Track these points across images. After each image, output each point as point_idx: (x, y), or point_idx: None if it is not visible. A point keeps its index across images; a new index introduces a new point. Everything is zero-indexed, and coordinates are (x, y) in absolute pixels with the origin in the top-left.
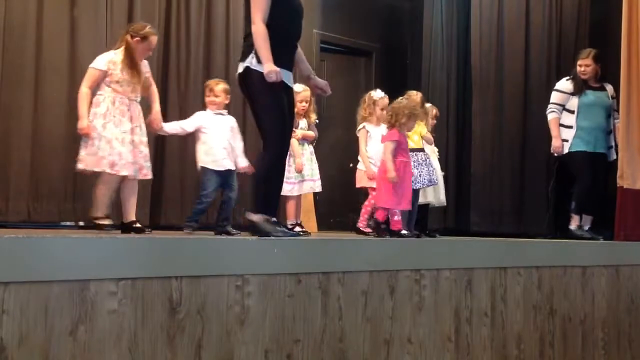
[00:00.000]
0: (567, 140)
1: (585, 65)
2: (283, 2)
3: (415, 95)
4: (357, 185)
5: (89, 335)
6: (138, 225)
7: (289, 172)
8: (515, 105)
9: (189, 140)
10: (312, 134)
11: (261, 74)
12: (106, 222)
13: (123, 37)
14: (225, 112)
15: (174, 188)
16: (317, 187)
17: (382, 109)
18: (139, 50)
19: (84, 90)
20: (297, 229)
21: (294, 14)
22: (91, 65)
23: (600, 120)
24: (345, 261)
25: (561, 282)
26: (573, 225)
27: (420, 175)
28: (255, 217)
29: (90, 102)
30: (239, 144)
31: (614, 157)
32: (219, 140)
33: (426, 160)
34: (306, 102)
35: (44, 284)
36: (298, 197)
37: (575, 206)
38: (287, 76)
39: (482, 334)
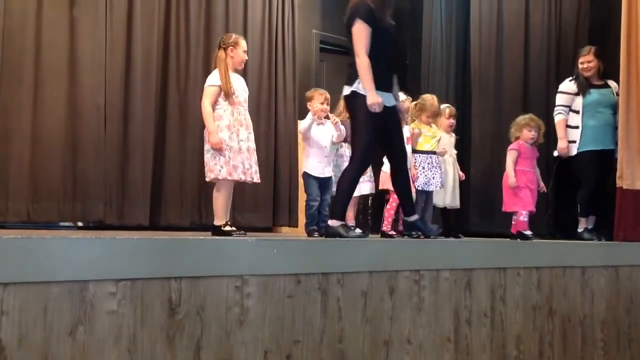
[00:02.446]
0: (574, 142)
1: (587, 61)
2: (379, 30)
3: (432, 99)
4: (380, 187)
5: (88, 336)
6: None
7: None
8: (515, 106)
9: (188, 141)
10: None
11: (364, 96)
12: (230, 228)
13: (217, 53)
14: (326, 121)
15: (174, 188)
16: (367, 189)
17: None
18: (235, 58)
19: (207, 107)
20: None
21: (389, 38)
22: (207, 84)
23: (607, 117)
24: (345, 262)
25: (561, 282)
26: (581, 228)
27: (433, 178)
28: (335, 223)
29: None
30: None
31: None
32: (320, 148)
33: (439, 163)
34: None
35: (43, 284)
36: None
37: (580, 209)
38: (387, 98)
39: (482, 334)
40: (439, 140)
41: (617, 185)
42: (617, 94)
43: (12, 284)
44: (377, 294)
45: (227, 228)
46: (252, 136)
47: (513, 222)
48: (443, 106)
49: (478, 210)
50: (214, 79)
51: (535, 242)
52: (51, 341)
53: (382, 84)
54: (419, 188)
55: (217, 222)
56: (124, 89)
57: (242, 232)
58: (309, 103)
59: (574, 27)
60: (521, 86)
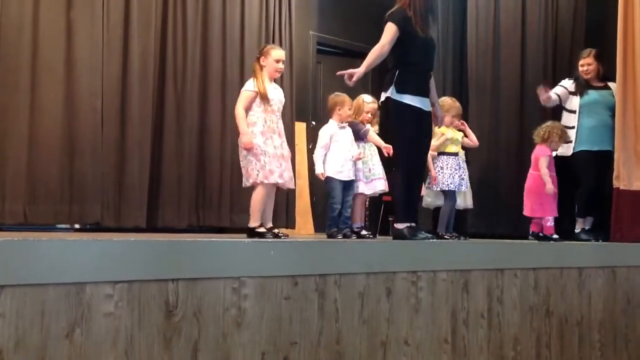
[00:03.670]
0: (570, 142)
1: (587, 64)
2: (412, 38)
3: (452, 101)
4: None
5: (85, 338)
6: (276, 230)
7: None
8: (512, 106)
9: (185, 142)
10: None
11: (398, 102)
12: (263, 229)
13: (254, 65)
14: (346, 124)
15: (171, 190)
16: (381, 187)
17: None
18: (270, 67)
19: (240, 110)
20: (364, 232)
21: (424, 47)
22: (244, 89)
23: (605, 118)
24: (342, 263)
25: (558, 283)
26: (578, 229)
27: (462, 179)
28: (399, 226)
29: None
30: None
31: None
32: (343, 153)
33: (460, 165)
34: (372, 115)
35: (40, 286)
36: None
37: (578, 209)
38: (421, 102)
39: (479, 335)
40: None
41: (614, 186)
42: None
43: (8, 286)
44: (374, 295)
45: (262, 229)
46: (285, 144)
47: (534, 222)
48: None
49: (475, 210)
50: (249, 85)
51: (533, 243)
52: (48, 344)
53: (417, 89)
54: (444, 188)
55: (251, 224)
56: (121, 91)
57: (285, 234)
58: (338, 108)
59: (570, 26)
60: (518, 85)
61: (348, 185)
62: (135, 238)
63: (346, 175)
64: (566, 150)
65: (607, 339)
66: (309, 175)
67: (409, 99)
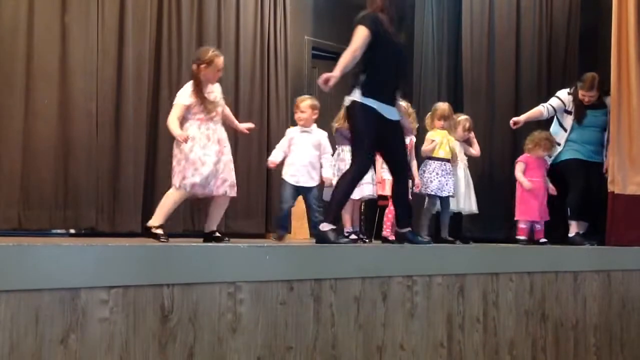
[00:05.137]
0: (550, 156)
1: (589, 96)
2: (386, 44)
3: (443, 104)
4: (380, 193)
5: (80, 344)
6: (218, 234)
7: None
8: (507, 110)
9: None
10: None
11: (363, 105)
12: (161, 232)
13: (193, 71)
14: (311, 129)
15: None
16: (369, 192)
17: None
18: (208, 75)
19: (174, 121)
20: (353, 236)
21: (393, 53)
22: (176, 102)
23: (594, 135)
24: (337, 268)
25: (553, 287)
26: (572, 233)
27: (447, 184)
28: (325, 227)
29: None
30: (326, 158)
31: (605, 168)
32: (300, 158)
33: (452, 171)
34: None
35: (35, 292)
36: (357, 203)
37: (570, 213)
38: (386, 110)
39: (475, 339)
40: (454, 150)
41: (609, 190)
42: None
43: (3, 291)
44: (369, 300)
45: (159, 231)
46: (227, 149)
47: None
48: (461, 117)
49: (470, 215)
50: (183, 97)
51: (528, 247)
52: (43, 349)
53: (385, 98)
54: (432, 193)
55: (151, 222)
56: (115, 96)
57: (227, 238)
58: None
59: (565, 31)
60: (513, 90)
61: (305, 190)
62: (130, 243)
63: (297, 180)
64: (555, 158)
65: (602, 342)
66: None
67: (372, 103)
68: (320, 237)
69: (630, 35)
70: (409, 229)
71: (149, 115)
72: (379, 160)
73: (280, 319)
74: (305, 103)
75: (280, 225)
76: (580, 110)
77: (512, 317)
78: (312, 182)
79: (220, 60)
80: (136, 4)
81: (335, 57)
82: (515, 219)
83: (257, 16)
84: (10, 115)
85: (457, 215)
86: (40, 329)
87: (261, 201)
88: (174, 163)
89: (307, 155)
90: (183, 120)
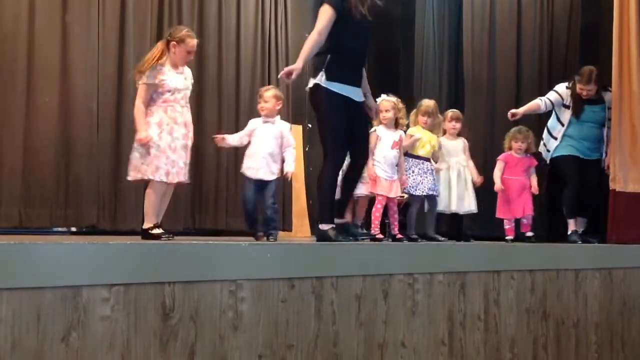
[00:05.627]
0: (548, 151)
1: (587, 90)
2: (348, 21)
3: (428, 101)
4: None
5: (81, 342)
6: (162, 230)
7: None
8: (507, 107)
9: None
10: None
11: (327, 90)
12: (159, 231)
13: (161, 43)
14: (274, 120)
15: None
16: (360, 190)
17: (386, 111)
18: (178, 54)
19: (140, 105)
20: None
21: (361, 31)
22: (141, 82)
23: (592, 131)
24: (339, 266)
25: (554, 285)
26: (570, 230)
27: (421, 183)
28: (324, 227)
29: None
30: (289, 151)
31: (604, 165)
32: (260, 150)
33: (431, 170)
34: (386, 112)
35: (36, 290)
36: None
37: (565, 210)
38: (352, 92)
39: (476, 337)
40: (435, 148)
41: (610, 188)
42: (610, 108)
43: (4, 289)
44: (371, 297)
45: (156, 231)
46: (190, 134)
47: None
48: (448, 111)
49: (472, 213)
50: (149, 75)
51: (529, 245)
52: (44, 347)
53: (349, 78)
54: (409, 192)
55: (145, 225)
56: (116, 94)
57: (171, 235)
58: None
59: (566, 28)
60: (514, 87)
61: (263, 184)
62: (132, 241)
63: (255, 173)
64: (548, 155)
65: (603, 340)
66: (305, 178)
67: (339, 88)
68: (321, 237)
69: (631, 31)
70: (347, 220)
71: None
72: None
73: (281, 317)
74: (269, 93)
75: (250, 224)
76: (578, 105)
77: (514, 315)
78: (270, 176)
79: (192, 42)
80: (137, 2)
81: None
82: (497, 217)
83: (257, 13)
84: (12, 113)
85: (457, 214)
86: (42, 327)
87: None
88: (137, 154)
89: (268, 146)
90: (151, 103)
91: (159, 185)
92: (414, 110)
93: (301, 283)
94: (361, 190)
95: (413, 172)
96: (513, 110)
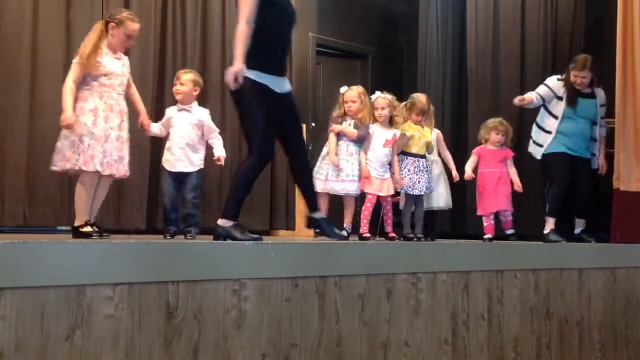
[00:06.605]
0: (541, 146)
1: (581, 77)
2: (271, 6)
3: (421, 96)
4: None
5: (85, 341)
6: (95, 228)
7: (322, 169)
8: (511, 107)
9: None
10: (352, 132)
11: (247, 79)
12: (90, 229)
13: (100, 23)
14: (190, 107)
15: None
16: (352, 189)
17: (382, 109)
18: (117, 37)
19: (70, 84)
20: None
21: (282, 19)
22: (76, 61)
23: (585, 128)
24: (342, 265)
25: (558, 284)
26: (547, 229)
27: (419, 182)
28: (225, 223)
29: (76, 97)
30: (216, 136)
31: (596, 165)
32: (177, 140)
33: (427, 167)
34: (352, 102)
35: (40, 289)
36: (325, 195)
37: (548, 208)
38: (275, 82)
39: (479, 336)
40: (428, 144)
41: (614, 187)
42: (602, 105)
43: (9, 288)
44: (374, 296)
45: (87, 229)
46: (125, 124)
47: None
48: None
49: (475, 211)
50: (82, 54)
51: (532, 244)
52: (48, 346)
53: (275, 68)
54: (406, 191)
55: (76, 222)
56: None
57: (107, 234)
58: None
59: (570, 26)
60: (517, 86)
61: (182, 177)
62: (135, 240)
63: (173, 166)
64: (540, 150)
65: (607, 339)
66: None
67: (259, 77)
68: (217, 234)
69: (635, 31)
70: (323, 215)
71: (153, 112)
72: (363, 155)
73: (284, 316)
74: (187, 76)
75: (167, 220)
76: (571, 94)
77: (517, 314)
78: (190, 167)
79: (132, 25)
80: (140, 0)
81: (339, 53)
82: (477, 214)
83: None
84: (15, 111)
85: (460, 213)
86: (46, 326)
87: (265, 197)
88: (66, 142)
89: (186, 136)
90: (85, 88)
91: (91, 177)
92: (406, 105)
93: (305, 282)
94: (352, 188)
95: (409, 170)
96: (520, 97)
